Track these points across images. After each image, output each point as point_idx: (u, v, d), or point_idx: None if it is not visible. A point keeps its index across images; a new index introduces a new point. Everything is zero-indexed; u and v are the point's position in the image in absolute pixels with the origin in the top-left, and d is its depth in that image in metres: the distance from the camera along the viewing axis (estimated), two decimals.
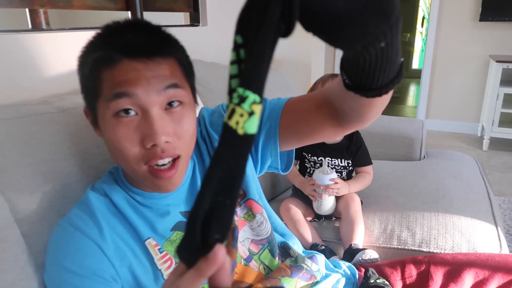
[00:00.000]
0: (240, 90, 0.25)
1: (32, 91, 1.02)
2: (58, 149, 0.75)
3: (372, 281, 0.86)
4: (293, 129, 0.66)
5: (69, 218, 0.62)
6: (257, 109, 0.25)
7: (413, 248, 1.08)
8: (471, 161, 1.63)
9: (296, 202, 1.25)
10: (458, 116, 3.72)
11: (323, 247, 1.12)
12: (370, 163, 1.28)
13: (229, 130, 0.25)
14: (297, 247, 0.85)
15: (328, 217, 1.24)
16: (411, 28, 7.04)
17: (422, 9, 6.89)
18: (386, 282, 0.87)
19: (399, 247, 1.09)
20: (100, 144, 0.82)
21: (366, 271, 0.89)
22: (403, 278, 0.90)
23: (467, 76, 3.60)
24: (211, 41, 1.84)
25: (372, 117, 0.54)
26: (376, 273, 0.89)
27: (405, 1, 6.61)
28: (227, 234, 0.27)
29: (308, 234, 1.16)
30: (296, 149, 0.75)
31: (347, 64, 0.42)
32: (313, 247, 1.12)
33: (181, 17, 1.86)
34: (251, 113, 0.25)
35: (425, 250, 1.06)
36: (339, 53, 3.54)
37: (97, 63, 0.57)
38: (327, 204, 1.19)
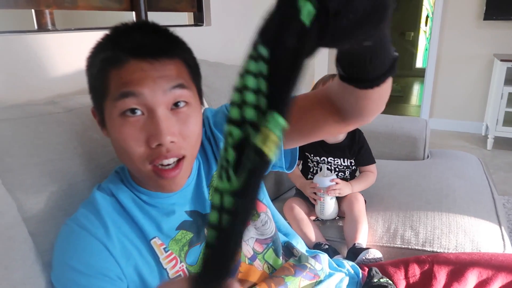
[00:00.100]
0: (275, 115, 0.24)
1: (39, 91, 1.03)
2: (64, 149, 0.76)
3: (375, 280, 0.86)
4: (296, 127, 0.66)
5: (75, 218, 0.62)
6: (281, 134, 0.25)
7: (416, 247, 1.08)
8: (475, 160, 1.62)
9: (299, 201, 1.25)
10: (462, 115, 3.71)
11: (327, 246, 1.12)
12: (373, 162, 1.29)
13: (262, 156, 0.24)
14: (300, 246, 0.85)
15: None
16: (415, 27, 7.02)
17: (426, 8, 6.86)
18: (390, 282, 0.87)
19: (403, 246, 1.09)
20: (106, 144, 0.83)
21: (370, 270, 0.90)
22: (406, 277, 0.90)
23: (471, 75, 3.58)
24: (215, 41, 1.85)
25: (372, 112, 0.54)
26: (379, 273, 0.89)
27: (409, 0, 6.59)
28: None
29: (312, 233, 1.16)
30: (298, 149, 0.75)
31: (339, 56, 0.42)
32: (317, 246, 1.12)
33: (185, 17, 1.87)
34: (279, 138, 0.24)
35: (428, 249, 1.07)
36: None
37: (104, 63, 0.58)
38: (328, 208, 1.20)
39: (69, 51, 1.11)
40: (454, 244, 1.06)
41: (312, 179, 1.24)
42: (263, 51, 0.24)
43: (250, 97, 0.24)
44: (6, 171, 0.67)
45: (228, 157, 0.25)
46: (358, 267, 0.92)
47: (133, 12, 1.42)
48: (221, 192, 0.25)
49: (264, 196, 0.78)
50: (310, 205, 1.25)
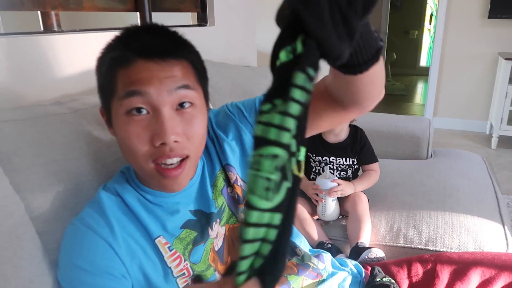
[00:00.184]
0: (302, 149, 0.29)
1: (45, 91, 1.04)
2: (70, 149, 0.77)
3: (378, 279, 0.87)
4: None
5: (81, 217, 0.63)
6: None
7: (419, 246, 1.08)
8: (478, 159, 1.62)
9: (302, 201, 1.26)
10: (467, 114, 3.69)
11: (330, 245, 1.13)
12: (375, 160, 1.29)
13: (298, 180, 0.29)
14: (303, 245, 0.86)
15: None
16: (419, 25, 6.99)
17: (430, 6, 6.83)
18: (392, 281, 0.87)
19: (406, 245, 1.10)
20: (111, 144, 0.84)
21: (372, 269, 0.90)
22: (409, 276, 0.91)
23: (476, 73, 3.57)
24: (218, 40, 1.85)
25: (367, 98, 0.56)
26: (382, 272, 0.90)
27: None
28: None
29: (315, 233, 1.17)
30: None
31: None
32: (320, 245, 1.13)
33: (189, 17, 1.88)
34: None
35: (431, 248, 1.07)
36: None
37: (113, 62, 0.59)
38: (330, 209, 1.20)
39: (74, 52, 1.12)
40: (457, 243, 1.06)
41: (314, 179, 1.25)
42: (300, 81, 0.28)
43: (286, 136, 0.27)
44: (14, 171, 0.69)
45: (271, 176, 0.27)
46: (361, 266, 0.93)
47: (137, 13, 1.43)
48: (261, 209, 0.27)
49: None
50: (313, 205, 1.26)
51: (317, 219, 1.24)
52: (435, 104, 3.79)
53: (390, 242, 1.12)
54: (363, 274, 0.91)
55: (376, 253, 1.04)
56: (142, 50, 0.58)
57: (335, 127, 1.23)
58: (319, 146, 1.27)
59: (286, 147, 0.26)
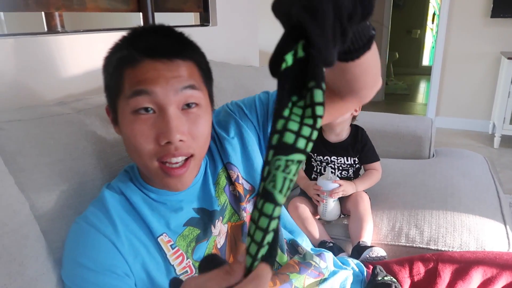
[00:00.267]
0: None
1: (49, 92, 1.05)
2: (74, 149, 0.78)
3: (379, 278, 0.87)
4: None
5: (85, 216, 0.64)
6: None
7: (421, 246, 1.09)
8: (480, 159, 1.62)
9: (304, 200, 1.26)
10: (469, 113, 3.68)
11: (331, 244, 1.13)
12: (377, 159, 1.29)
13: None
14: (305, 244, 0.86)
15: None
16: (422, 25, 6.97)
17: (433, 5, 6.81)
18: (394, 280, 0.88)
19: (407, 245, 1.10)
20: (114, 144, 0.85)
21: (374, 268, 0.90)
22: (411, 275, 0.91)
23: (478, 73, 3.56)
24: (221, 40, 1.86)
25: (362, 87, 0.57)
26: (383, 271, 0.90)
27: None
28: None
29: (316, 232, 1.17)
30: None
31: None
32: (322, 244, 1.13)
33: (191, 17, 1.88)
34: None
35: (433, 248, 1.07)
36: None
37: (120, 62, 0.60)
38: (331, 210, 1.21)
39: (78, 52, 1.13)
40: (458, 242, 1.06)
41: (316, 178, 1.25)
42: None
43: (310, 145, 0.29)
44: (19, 171, 0.69)
45: (294, 178, 0.30)
46: (362, 265, 0.93)
47: (140, 13, 1.44)
48: (281, 204, 0.30)
49: None
50: (314, 204, 1.26)
51: (318, 219, 1.25)
52: (437, 103, 3.78)
53: (392, 241, 1.12)
54: (365, 273, 0.91)
55: (378, 252, 1.04)
56: (149, 50, 0.59)
57: (335, 119, 1.23)
58: (321, 145, 1.27)
59: (307, 153, 0.29)
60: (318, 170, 1.29)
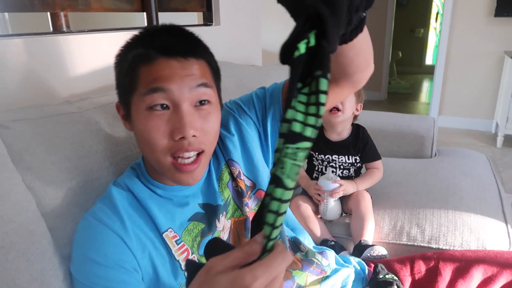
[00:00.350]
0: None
1: (54, 91, 1.07)
2: (80, 147, 0.79)
3: (381, 276, 0.88)
4: None
5: (93, 212, 0.65)
6: None
7: (422, 244, 1.09)
8: (482, 158, 1.62)
9: (306, 199, 1.27)
10: (472, 113, 3.68)
11: (333, 243, 1.14)
12: (378, 158, 1.30)
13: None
14: (307, 242, 0.87)
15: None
16: (425, 24, 6.95)
17: (437, 4, 6.79)
18: (395, 278, 0.89)
19: (409, 243, 1.11)
20: (119, 142, 0.86)
21: (375, 266, 0.91)
22: (412, 274, 0.92)
23: (481, 72, 3.55)
24: (224, 40, 1.87)
25: (355, 70, 0.60)
26: (385, 269, 0.91)
27: None
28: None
29: (318, 230, 1.18)
30: None
31: None
32: (323, 242, 1.14)
33: (195, 16, 1.89)
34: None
35: (434, 246, 1.08)
36: None
37: (136, 59, 0.62)
38: (331, 209, 1.22)
39: (83, 52, 1.14)
40: (459, 241, 1.07)
41: (317, 178, 1.26)
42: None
43: (315, 132, 0.31)
44: (26, 169, 0.71)
45: (301, 164, 0.32)
46: (364, 263, 0.94)
47: (144, 13, 1.45)
48: (291, 188, 0.32)
49: None
50: (316, 203, 1.27)
51: (320, 218, 1.26)
52: (440, 102, 3.78)
53: (393, 240, 1.13)
54: (366, 271, 0.92)
55: (379, 251, 1.05)
56: (164, 49, 0.61)
57: (329, 106, 1.23)
58: (322, 144, 1.28)
59: (313, 140, 0.31)
60: (319, 170, 1.30)
